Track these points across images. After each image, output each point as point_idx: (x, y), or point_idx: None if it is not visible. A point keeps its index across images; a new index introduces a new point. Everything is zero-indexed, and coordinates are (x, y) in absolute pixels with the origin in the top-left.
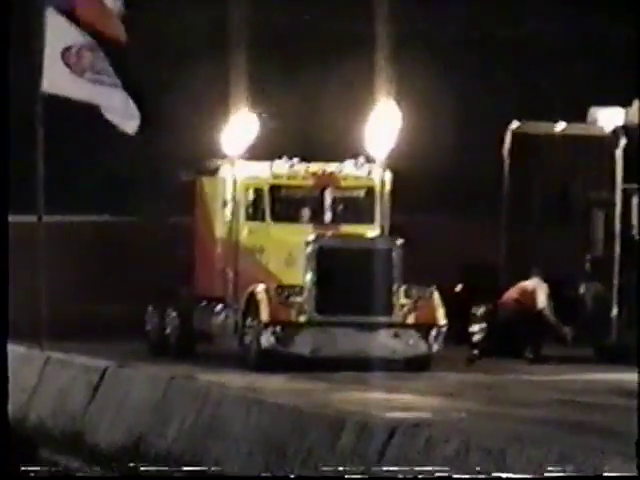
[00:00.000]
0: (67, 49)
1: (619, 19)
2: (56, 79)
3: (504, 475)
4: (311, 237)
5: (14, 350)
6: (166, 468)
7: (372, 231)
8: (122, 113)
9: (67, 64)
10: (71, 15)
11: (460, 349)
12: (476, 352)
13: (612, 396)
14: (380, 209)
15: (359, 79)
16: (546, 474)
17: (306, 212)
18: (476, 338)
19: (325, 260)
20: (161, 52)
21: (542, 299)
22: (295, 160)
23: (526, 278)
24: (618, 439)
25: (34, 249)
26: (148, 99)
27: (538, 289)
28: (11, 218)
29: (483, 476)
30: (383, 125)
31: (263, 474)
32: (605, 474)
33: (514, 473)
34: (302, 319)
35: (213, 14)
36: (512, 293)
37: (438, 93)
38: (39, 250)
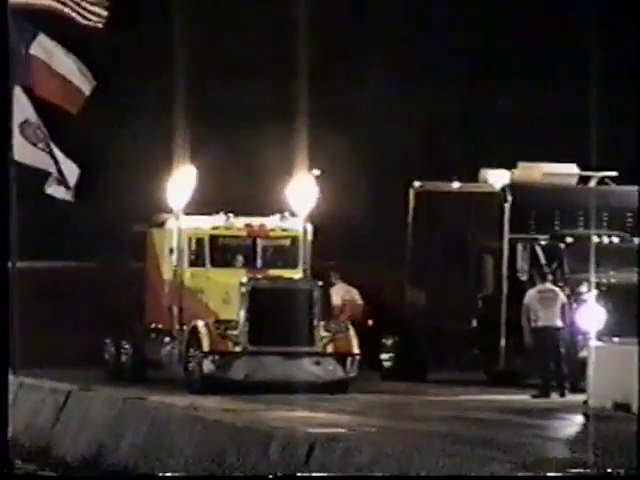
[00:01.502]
0: (24, 122)
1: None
2: (17, 148)
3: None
4: (244, 279)
5: None
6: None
7: (296, 274)
8: (67, 181)
9: (23, 135)
10: (30, 91)
11: (372, 374)
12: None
13: (502, 413)
14: (303, 255)
15: (285, 146)
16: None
17: (240, 258)
18: (386, 364)
19: (256, 299)
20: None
21: None
22: (231, 215)
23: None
24: (508, 450)
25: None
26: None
27: None
28: None
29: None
30: (305, 186)
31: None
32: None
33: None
34: (237, 349)
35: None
36: None
37: (354, 156)
38: (13, 291)
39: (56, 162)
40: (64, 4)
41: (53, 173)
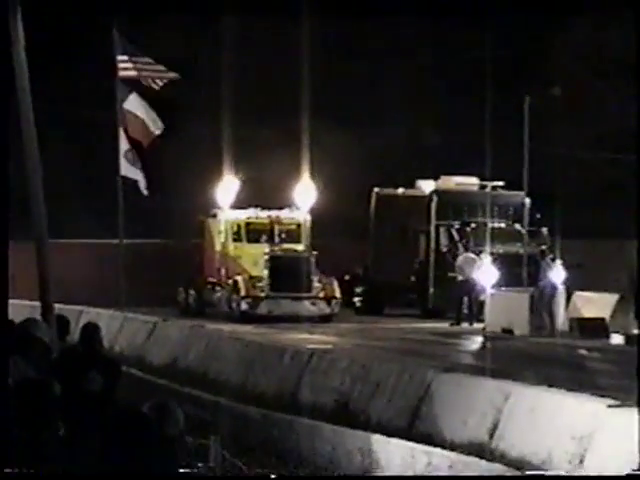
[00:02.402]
0: (127, 151)
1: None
2: (124, 167)
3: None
4: (267, 250)
5: (108, 312)
6: None
7: (300, 247)
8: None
9: (127, 159)
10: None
11: (348, 311)
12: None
13: (430, 335)
14: (304, 235)
15: (293, 164)
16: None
17: (264, 237)
18: (357, 304)
19: (274, 263)
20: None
21: None
22: (258, 209)
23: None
24: (433, 359)
25: (115, 262)
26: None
27: None
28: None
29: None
30: (306, 188)
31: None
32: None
33: (378, 378)
34: (262, 294)
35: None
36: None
37: (341, 169)
38: (119, 260)
39: (147, 175)
40: (144, 77)
41: (141, 181)
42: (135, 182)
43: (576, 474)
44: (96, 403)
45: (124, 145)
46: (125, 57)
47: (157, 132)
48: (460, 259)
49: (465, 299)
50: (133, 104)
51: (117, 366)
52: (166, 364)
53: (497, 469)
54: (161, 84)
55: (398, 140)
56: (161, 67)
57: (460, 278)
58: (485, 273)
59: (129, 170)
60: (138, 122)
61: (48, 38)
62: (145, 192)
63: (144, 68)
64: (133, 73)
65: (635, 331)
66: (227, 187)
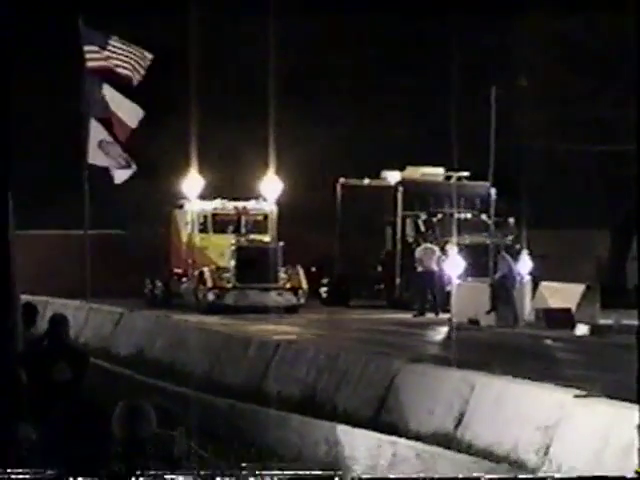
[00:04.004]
0: (101, 141)
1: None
2: (94, 155)
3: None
4: (233, 241)
5: (74, 303)
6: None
7: (266, 238)
8: (124, 173)
9: (100, 147)
10: (103, 121)
11: (314, 301)
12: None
13: (395, 326)
14: (270, 226)
15: (261, 157)
16: (548, 474)
17: (230, 228)
18: (324, 295)
19: (241, 253)
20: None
21: None
22: (225, 200)
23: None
24: (398, 349)
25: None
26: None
27: None
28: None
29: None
30: (272, 179)
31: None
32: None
33: (344, 368)
34: (229, 285)
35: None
36: None
37: (310, 160)
38: (85, 251)
39: (126, 162)
40: (117, 65)
41: (116, 169)
42: (105, 170)
43: (549, 470)
44: (64, 393)
45: (97, 135)
46: (93, 47)
47: (133, 125)
48: (419, 250)
49: (428, 290)
50: (108, 95)
51: (85, 357)
52: (132, 355)
53: (463, 460)
54: (142, 71)
55: (364, 131)
56: (136, 51)
57: (420, 269)
58: (450, 263)
59: (98, 158)
60: (114, 115)
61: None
62: (121, 180)
63: (116, 56)
64: (103, 64)
65: (601, 321)
66: (193, 178)
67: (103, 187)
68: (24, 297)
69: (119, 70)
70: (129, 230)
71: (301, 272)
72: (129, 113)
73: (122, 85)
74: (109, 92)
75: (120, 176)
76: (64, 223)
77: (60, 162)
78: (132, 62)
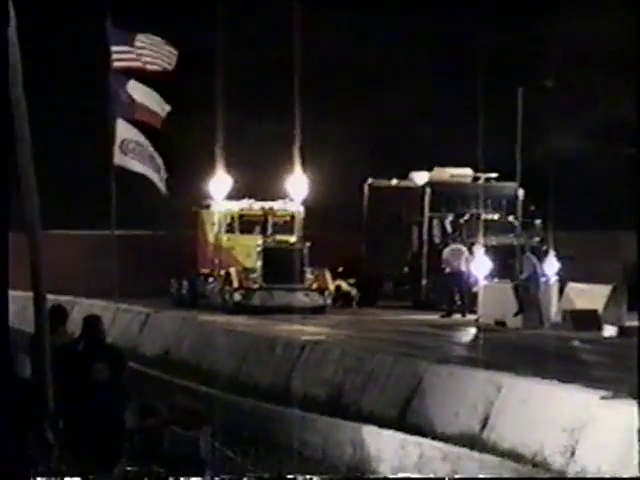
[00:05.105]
0: (123, 141)
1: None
2: (120, 157)
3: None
4: (260, 242)
5: (101, 303)
6: None
7: (293, 239)
8: (156, 178)
9: (121, 149)
10: (130, 120)
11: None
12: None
13: (422, 327)
14: (297, 227)
15: (288, 157)
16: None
17: (257, 228)
18: (352, 296)
19: (267, 254)
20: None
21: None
22: (252, 200)
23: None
24: (422, 349)
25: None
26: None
27: None
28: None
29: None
30: (299, 180)
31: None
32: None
33: (370, 369)
34: (255, 286)
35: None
36: None
37: (337, 160)
38: (112, 251)
39: (154, 165)
40: (144, 62)
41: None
42: (132, 173)
43: (575, 472)
44: (102, 393)
45: (123, 135)
46: (121, 47)
47: (163, 114)
48: (446, 251)
49: (455, 290)
50: (135, 91)
51: (122, 356)
52: (159, 355)
53: (489, 460)
54: (169, 67)
55: (391, 131)
56: (163, 45)
57: (448, 270)
58: (476, 264)
59: (125, 159)
60: (143, 108)
61: (38, 25)
62: (164, 189)
63: (145, 53)
64: (130, 63)
65: (628, 323)
66: (220, 178)
67: (130, 187)
68: (50, 297)
69: (147, 66)
70: (156, 231)
71: (327, 273)
72: (157, 103)
73: (150, 82)
74: (135, 86)
75: (147, 172)
76: (91, 223)
77: (87, 162)
78: (160, 57)
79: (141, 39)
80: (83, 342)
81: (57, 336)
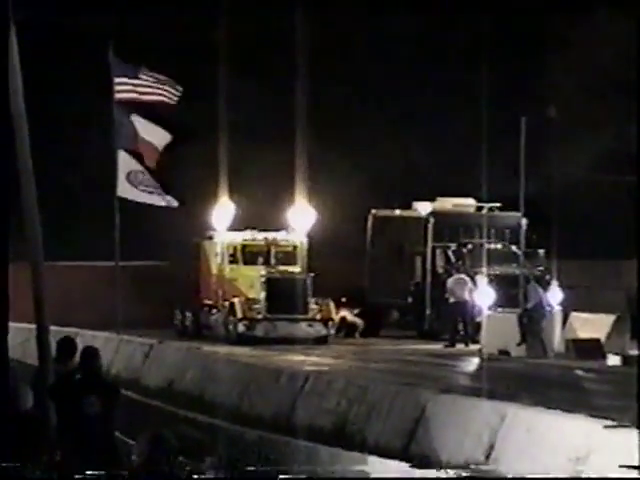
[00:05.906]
0: (129, 173)
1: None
2: (123, 188)
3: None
4: (263, 272)
5: (104, 334)
6: None
7: (296, 269)
8: (164, 201)
9: (128, 180)
10: (132, 152)
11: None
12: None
13: (426, 357)
14: (300, 257)
15: (290, 188)
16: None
17: (260, 259)
18: (357, 326)
19: (270, 285)
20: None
21: None
22: (254, 230)
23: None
24: (426, 379)
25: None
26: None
27: None
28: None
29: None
30: (302, 210)
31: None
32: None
33: (374, 399)
34: (259, 316)
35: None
36: None
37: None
38: (116, 282)
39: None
40: (146, 94)
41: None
42: (136, 204)
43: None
44: (93, 427)
45: (127, 166)
46: (124, 79)
47: (160, 148)
48: (450, 281)
49: (459, 320)
50: (138, 123)
51: (116, 391)
52: (162, 386)
53: None
54: (172, 102)
55: (394, 162)
56: (167, 81)
57: (452, 300)
58: (480, 294)
59: (128, 191)
60: (146, 141)
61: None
62: (175, 203)
63: (147, 85)
64: (133, 95)
65: (631, 352)
66: (223, 209)
67: (133, 218)
68: (54, 329)
69: (149, 98)
70: (159, 261)
71: (331, 303)
72: (158, 137)
73: (152, 113)
74: (138, 120)
75: (154, 200)
76: (94, 254)
77: (91, 193)
78: (162, 91)
79: (145, 72)
80: (79, 374)
81: (65, 368)
